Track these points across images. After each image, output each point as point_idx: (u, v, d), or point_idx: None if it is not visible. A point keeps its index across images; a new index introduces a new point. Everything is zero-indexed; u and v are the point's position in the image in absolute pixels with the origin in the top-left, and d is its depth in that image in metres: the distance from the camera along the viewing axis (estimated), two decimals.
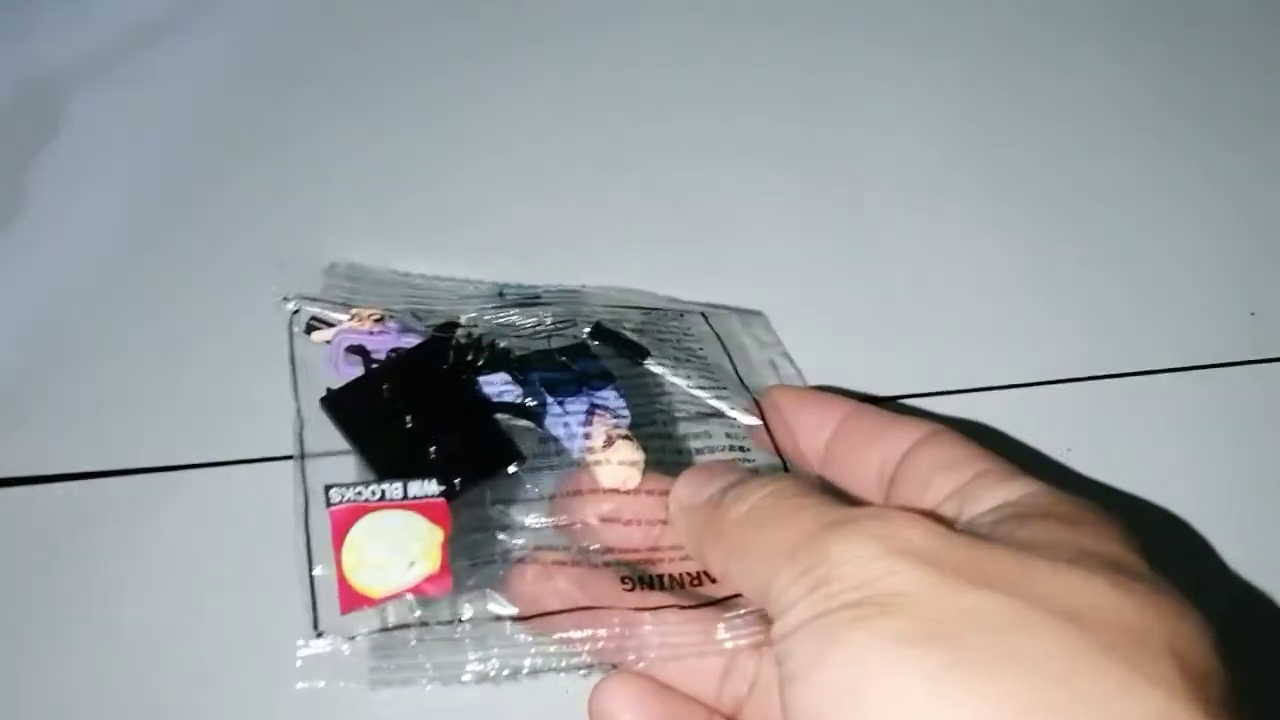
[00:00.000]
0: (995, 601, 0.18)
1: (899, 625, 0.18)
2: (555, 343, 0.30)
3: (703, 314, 0.34)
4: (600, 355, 0.30)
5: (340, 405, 0.27)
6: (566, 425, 0.28)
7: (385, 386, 0.28)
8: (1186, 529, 0.34)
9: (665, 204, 0.40)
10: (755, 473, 0.26)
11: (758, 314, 0.36)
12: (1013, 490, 0.23)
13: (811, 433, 0.28)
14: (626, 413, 0.28)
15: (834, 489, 0.27)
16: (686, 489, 0.26)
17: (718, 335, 0.33)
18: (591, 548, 0.26)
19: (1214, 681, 0.18)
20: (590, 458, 0.27)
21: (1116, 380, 0.37)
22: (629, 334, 0.31)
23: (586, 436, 0.27)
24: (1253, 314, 0.39)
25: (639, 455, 0.27)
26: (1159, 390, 0.37)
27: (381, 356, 0.29)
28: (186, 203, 0.40)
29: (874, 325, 0.38)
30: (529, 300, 0.32)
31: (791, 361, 0.35)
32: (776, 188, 0.41)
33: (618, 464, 0.27)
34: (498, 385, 0.28)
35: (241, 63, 0.44)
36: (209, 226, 0.39)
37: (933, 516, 0.21)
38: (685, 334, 0.32)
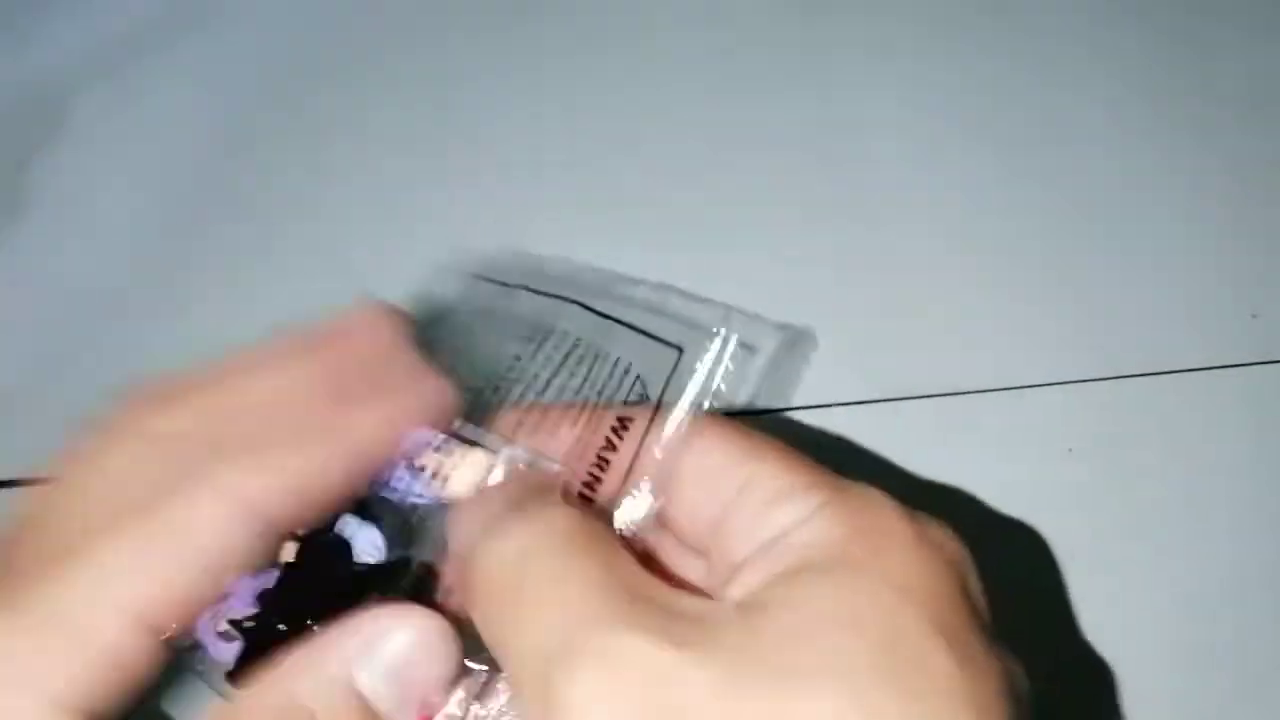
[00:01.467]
0: None
1: None
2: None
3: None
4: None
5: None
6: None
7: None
8: (1188, 530, 0.35)
9: (666, 208, 0.40)
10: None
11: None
12: (779, 514, 0.21)
13: None
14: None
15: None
16: (455, 525, 0.24)
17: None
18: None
19: None
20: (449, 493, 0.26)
21: (1117, 382, 0.37)
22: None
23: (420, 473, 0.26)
24: (1255, 316, 0.39)
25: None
26: (1160, 392, 0.37)
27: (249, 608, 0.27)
28: (188, 204, 0.40)
29: (871, 326, 0.38)
30: None
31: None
32: (772, 187, 0.41)
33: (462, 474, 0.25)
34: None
35: (244, 63, 0.44)
36: (210, 228, 0.39)
37: (675, 622, 0.20)
38: None
